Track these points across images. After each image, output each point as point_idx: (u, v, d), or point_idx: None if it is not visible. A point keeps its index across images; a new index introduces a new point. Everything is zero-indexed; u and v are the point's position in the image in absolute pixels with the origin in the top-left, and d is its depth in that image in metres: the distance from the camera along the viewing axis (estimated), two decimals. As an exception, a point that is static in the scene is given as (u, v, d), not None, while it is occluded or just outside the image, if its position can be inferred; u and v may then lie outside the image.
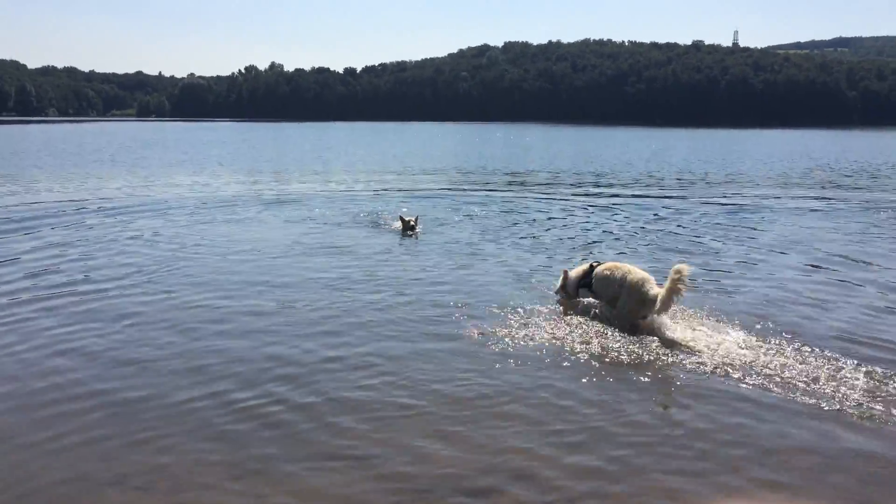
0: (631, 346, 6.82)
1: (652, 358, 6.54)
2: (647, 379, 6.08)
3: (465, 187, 22.34)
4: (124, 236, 12.49)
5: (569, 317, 7.83)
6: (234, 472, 4.61)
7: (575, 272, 8.38)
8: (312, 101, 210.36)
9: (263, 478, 4.55)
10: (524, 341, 6.97)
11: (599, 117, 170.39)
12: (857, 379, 6.02)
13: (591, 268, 8.17)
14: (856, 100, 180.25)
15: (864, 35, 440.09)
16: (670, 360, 6.49)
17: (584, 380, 6.04)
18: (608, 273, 7.85)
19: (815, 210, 17.49)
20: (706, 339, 6.95)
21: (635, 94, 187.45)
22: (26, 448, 4.88)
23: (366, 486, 4.46)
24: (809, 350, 6.66)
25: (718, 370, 6.24)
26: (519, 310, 7.93)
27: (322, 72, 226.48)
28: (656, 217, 15.82)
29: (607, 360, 6.54)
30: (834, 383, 5.93)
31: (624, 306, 7.49)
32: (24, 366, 6.31)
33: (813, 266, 10.68)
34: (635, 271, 7.65)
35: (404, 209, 15.37)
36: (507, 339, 7.01)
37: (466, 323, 7.52)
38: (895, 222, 15.42)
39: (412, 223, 13.09)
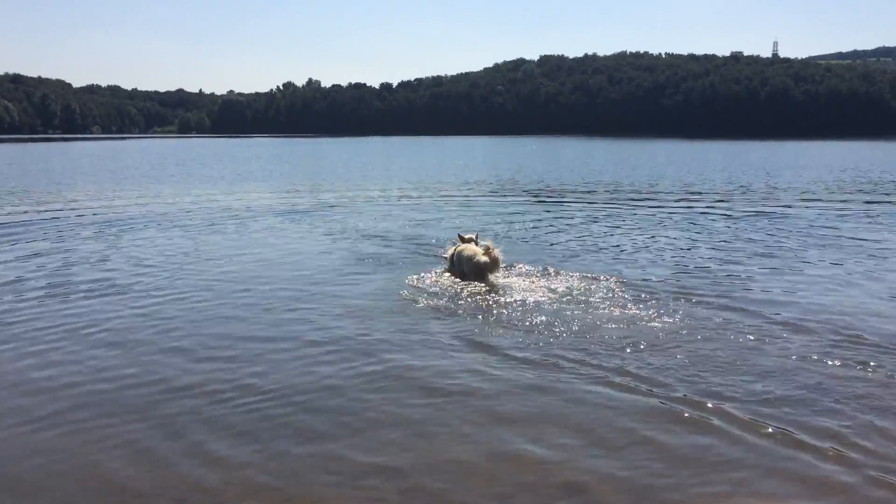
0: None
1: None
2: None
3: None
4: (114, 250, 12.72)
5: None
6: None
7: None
8: (349, 116, 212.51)
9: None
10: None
11: (636, 130, 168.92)
12: None
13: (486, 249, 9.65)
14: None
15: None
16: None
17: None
18: (460, 251, 9.88)
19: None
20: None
21: (672, 106, 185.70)
22: None
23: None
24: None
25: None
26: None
27: (359, 87, 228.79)
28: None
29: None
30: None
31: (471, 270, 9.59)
32: None
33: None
34: (473, 248, 9.82)
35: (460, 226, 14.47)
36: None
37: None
38: None
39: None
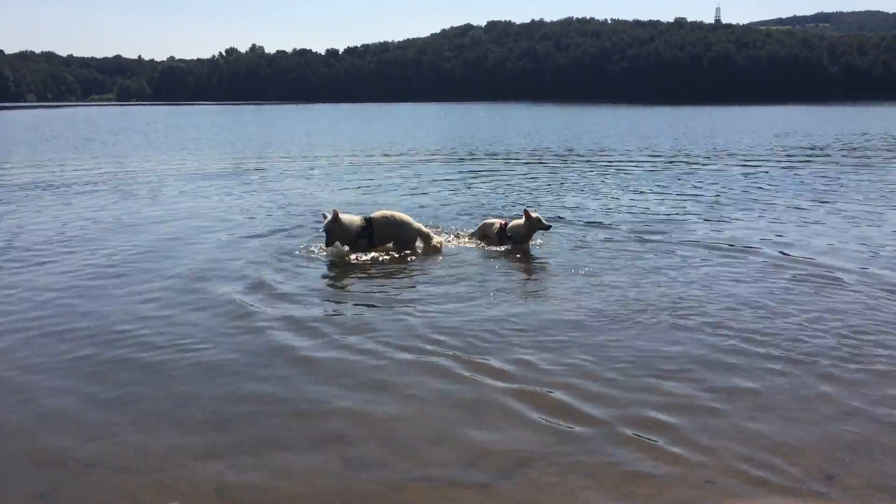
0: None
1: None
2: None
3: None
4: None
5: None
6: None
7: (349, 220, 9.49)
8: (294, 83, 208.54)
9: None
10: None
11: (583, 96, 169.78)
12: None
13: (368, 220, 9.55)
14: (837, 75, 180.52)
15: (844, 10, 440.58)
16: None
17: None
18: (388, 219, 9.66)
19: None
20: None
21: (619, 72, 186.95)
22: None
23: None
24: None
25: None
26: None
27: (304, 53, 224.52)
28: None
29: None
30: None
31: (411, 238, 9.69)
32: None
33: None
34: (405, 217, 9.80)
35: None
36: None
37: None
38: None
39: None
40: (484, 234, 10.36)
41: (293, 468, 4.28)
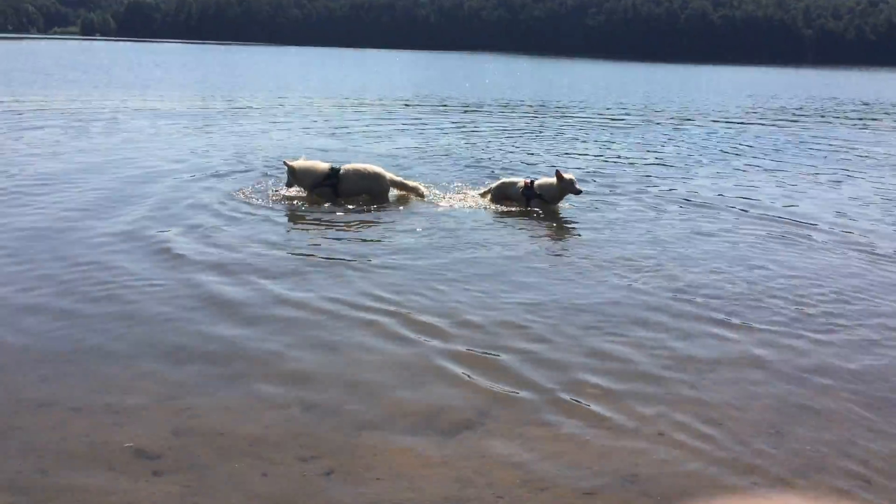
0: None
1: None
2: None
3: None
4: None
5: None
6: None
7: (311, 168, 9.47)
8: (265, 24, 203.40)
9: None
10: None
11: (558, 49, 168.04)
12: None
13: (334, 169, 9.43)
14: (811, 38, 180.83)
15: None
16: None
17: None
18: (360, 171, 9.53)
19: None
20: None
21: (595, 26, 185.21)
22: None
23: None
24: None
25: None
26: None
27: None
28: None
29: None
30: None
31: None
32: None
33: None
34: (377, 168, 9.68)
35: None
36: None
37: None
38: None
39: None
40: (504, 194, 9.70)
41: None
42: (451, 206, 9.61)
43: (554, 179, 9.28)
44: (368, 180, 9.51)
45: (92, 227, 7.96)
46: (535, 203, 9.40)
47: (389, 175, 9.71)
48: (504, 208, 9.52)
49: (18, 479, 3.70)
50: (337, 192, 9.43)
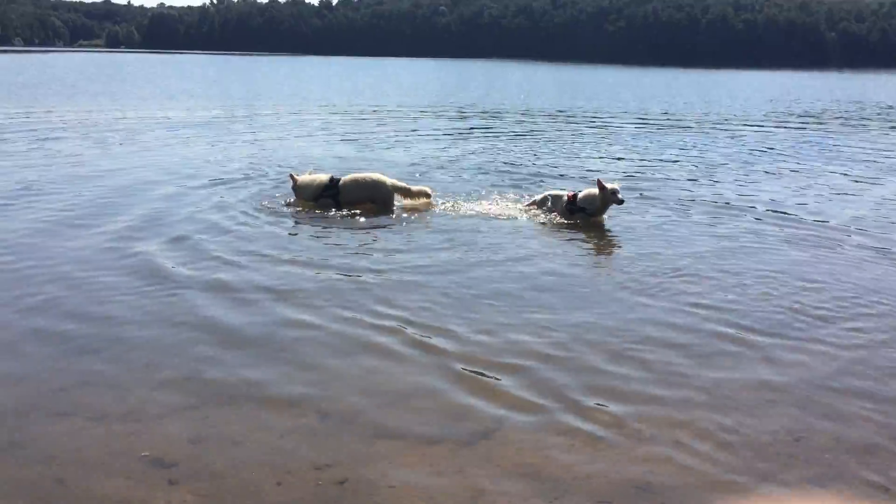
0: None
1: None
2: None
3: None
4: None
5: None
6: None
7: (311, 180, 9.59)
8: (286, 34, 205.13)
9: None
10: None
11: (579, 56, 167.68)
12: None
13: (333, 180, 9.46)
14: (834, 41, 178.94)
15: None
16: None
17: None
18: (358, 181, 9.50)
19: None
20: None
21: (615, 31, 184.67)
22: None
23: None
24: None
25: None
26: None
27: (297, 3, 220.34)
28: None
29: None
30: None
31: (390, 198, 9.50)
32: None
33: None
34: (377, 176, 9.64)
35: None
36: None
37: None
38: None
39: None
40: (550, 207, 9.33)
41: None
42: (486, 210, 9.45)
43: (596, 190, 8.94)
44: (368, 189, 9.43)
45: (86, 241, 7.98)
46: (580, 217, 9.07)
47: (391, 181, 9.57)
48: (528, 216, 9.36)
49: (36, 487, 3.75)
50: (338, 203, 9.38)
